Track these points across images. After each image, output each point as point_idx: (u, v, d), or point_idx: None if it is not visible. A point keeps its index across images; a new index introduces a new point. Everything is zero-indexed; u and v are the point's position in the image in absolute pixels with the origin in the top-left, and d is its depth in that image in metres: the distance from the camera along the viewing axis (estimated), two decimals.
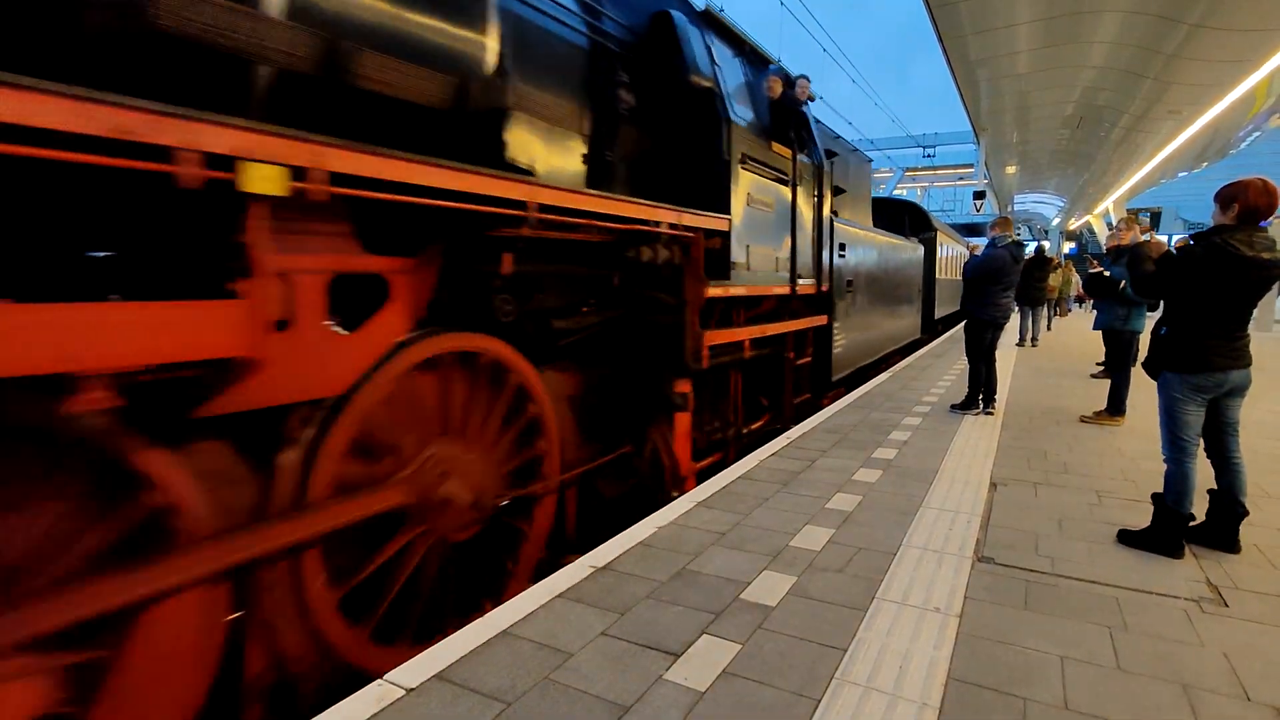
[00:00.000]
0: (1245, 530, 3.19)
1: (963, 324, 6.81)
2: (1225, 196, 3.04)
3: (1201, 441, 3.21)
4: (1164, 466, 3.23)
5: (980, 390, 6.38)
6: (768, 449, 5.05)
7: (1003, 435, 5.51)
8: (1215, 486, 3.23)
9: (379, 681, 2.08)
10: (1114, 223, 6.19)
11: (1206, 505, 3.23)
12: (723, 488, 4.09)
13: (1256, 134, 20.96)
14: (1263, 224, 3.00)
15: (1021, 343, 12.69)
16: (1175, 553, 3.07)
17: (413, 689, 2.04)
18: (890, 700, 2.01)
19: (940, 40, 13.29)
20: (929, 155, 34.84)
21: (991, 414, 6.28)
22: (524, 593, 2.70)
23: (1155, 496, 3.22)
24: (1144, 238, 6.30)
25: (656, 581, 2.82)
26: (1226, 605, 2.63)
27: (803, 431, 5.66)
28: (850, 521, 3.53)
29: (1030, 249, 13.18)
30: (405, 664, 2.18)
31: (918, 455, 4.87)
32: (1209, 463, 3.26)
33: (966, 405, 6.42)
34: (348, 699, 2.00)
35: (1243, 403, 3.19)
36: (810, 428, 5.80)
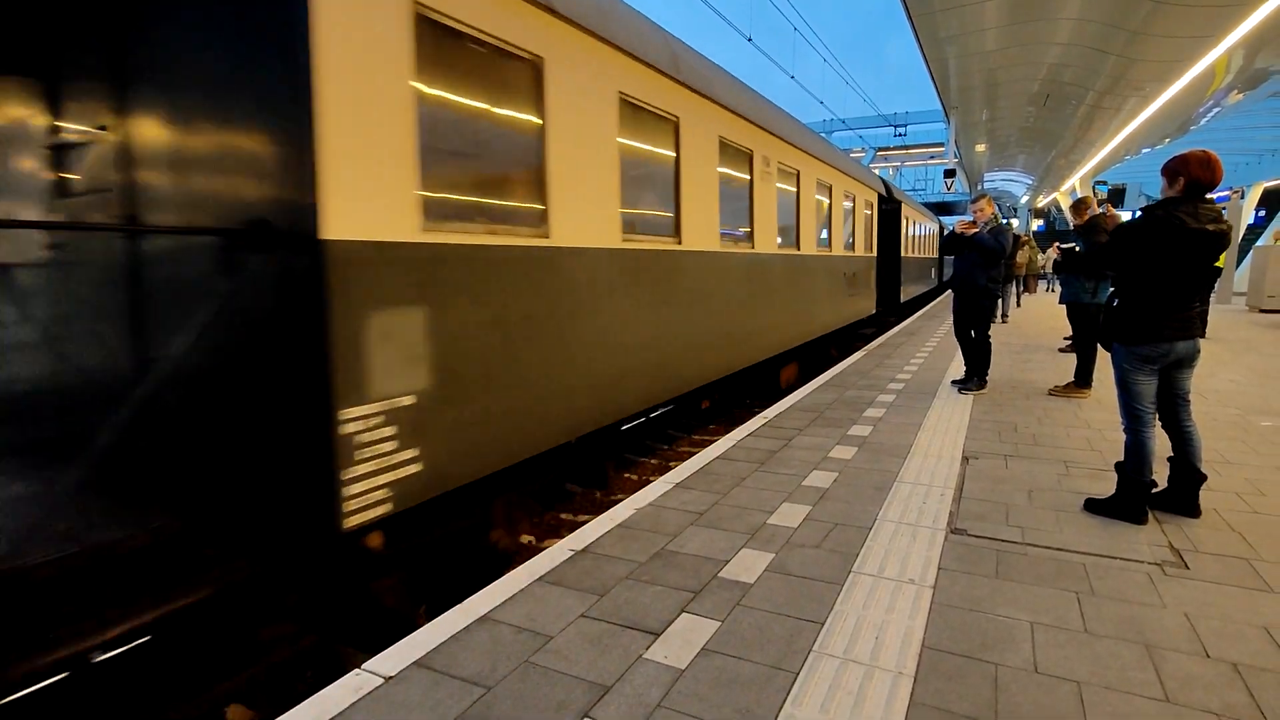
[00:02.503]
0: (1205, 495, 3.29)
1: (949, 300, 6.80)
2: (1170, 170, 3.09)
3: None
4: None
5: (985, 365, 6.47)
6: (745, 429, 5.08)
7: (974, 409, 5.61)
8: (1173, 455, 3.33)
9: (357, 670, 2.06)
10: (1078, 199, 6.21)
11: (1167, 472, 3.33)
12: (700, 468, 4.11)
13: (1216, 110, 21.40)
14: (1218, 198, 3.06)
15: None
16: (1139, 519, 3.16)
17: (391, 677, 2.03)
18: (867, 670, 2.05)
19: (910, 17, 13.30)
20: (900, 134, 34.94)
21: (984, 390, 6.41)
22: (504, 578, 2.69)
23: (1118, 465, 3.31)
24: (1098, 211, 6.40)
25: (636, 562, 2.82)
26: (1187, 567, 2.71)
27: (779, 411, 5.70)
28: (827, 498, 3.57)
29: None
30: (383, 652, 2.16)
31: (892, 431, 4.94)
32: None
33: (976, 382, 6.43)
34: (326, 688, 1.98)
35: (1193, 374, 3.27)
36: (787, 407, 5.85)
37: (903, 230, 15.14)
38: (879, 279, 12.88)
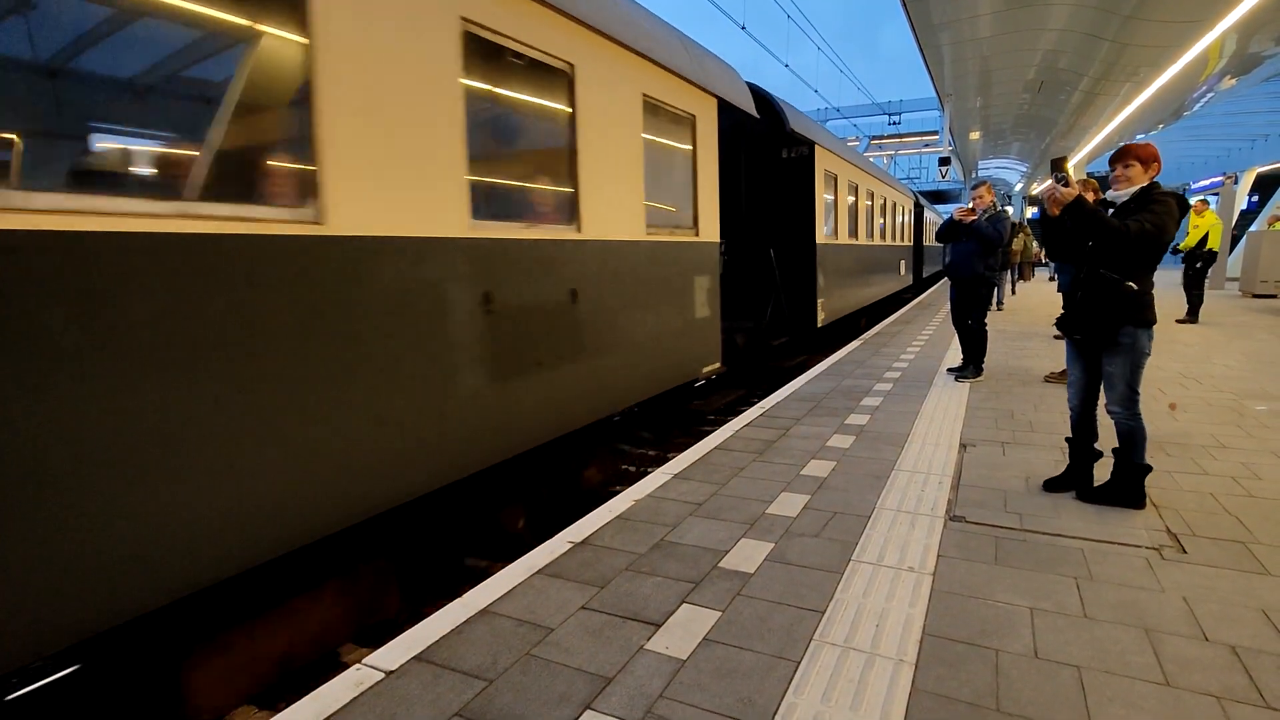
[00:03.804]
0: (1203, 479, 3.30)
1: (950, 288, 6.67)
2: (1148, 157, 3.14)
3: (1079, 399, 3.37)
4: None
5: (981, 354, 6.44)
6: (743, 419, 5.08)
7: (971, 397, 5.62)
8: (1095, 446, 3.36)
9: (357, 665, 2.05)
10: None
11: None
12: (699, 459, 4.11)
13: (1210, 95, 21.38)
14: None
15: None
16: (1139, 503, 3.17)
17: (392, 671, 2.02)
18: (868, 658, 2.05)
19: (904, 4, 13.23)
20: (895, 122, 34.77)
21: (981, 377, 6.39)
22: (503, 571, 2.69)
23: (1118, 451, 3.29)
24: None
25: (635, 554, 2.82)
26: (1185, 551, 2.72)
27: (777, 401, 5.70)
28: (825, 487, 3.57)
29: None
30: (383, 647, 2.16)
31: (890, 420, 4.94)
32: (1090, 421, 3.40)
33: (972, 370, 6.40)
34: (326, 684, 1.97)
35: None
36: (784, 397, 5.85)
37: (821, 196, 8.24)
38: (750, 291, 7.53)
